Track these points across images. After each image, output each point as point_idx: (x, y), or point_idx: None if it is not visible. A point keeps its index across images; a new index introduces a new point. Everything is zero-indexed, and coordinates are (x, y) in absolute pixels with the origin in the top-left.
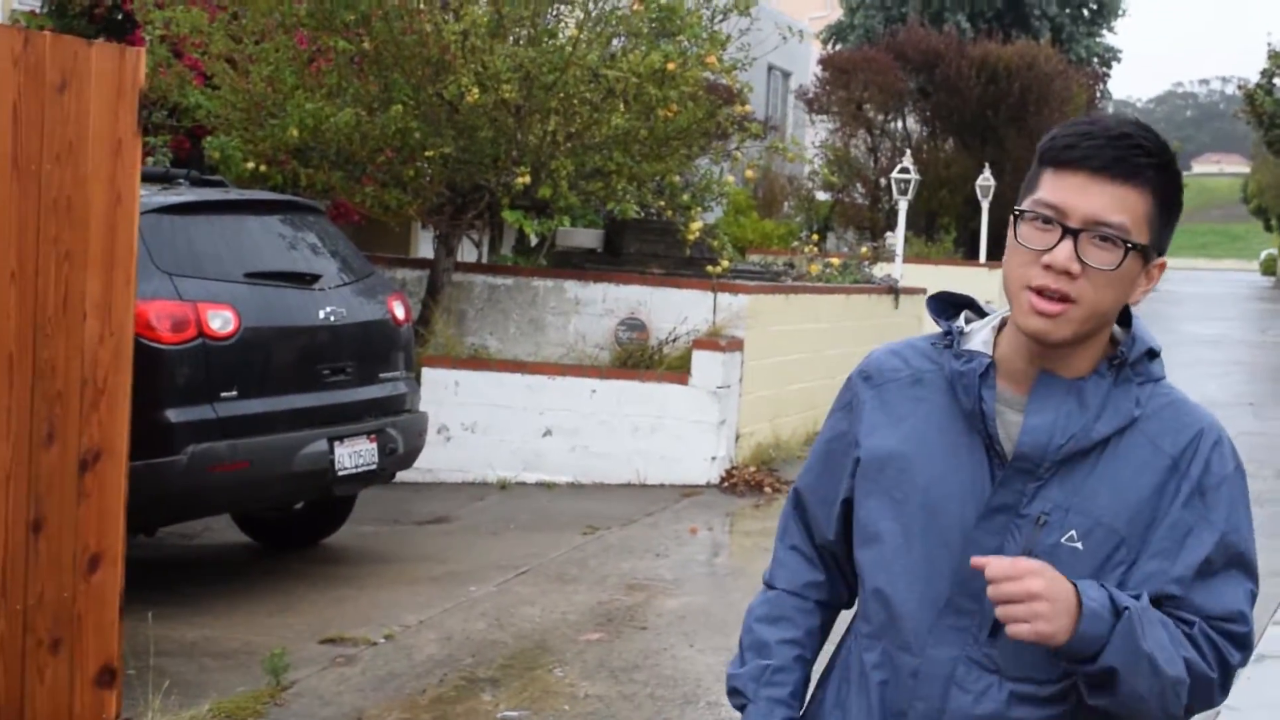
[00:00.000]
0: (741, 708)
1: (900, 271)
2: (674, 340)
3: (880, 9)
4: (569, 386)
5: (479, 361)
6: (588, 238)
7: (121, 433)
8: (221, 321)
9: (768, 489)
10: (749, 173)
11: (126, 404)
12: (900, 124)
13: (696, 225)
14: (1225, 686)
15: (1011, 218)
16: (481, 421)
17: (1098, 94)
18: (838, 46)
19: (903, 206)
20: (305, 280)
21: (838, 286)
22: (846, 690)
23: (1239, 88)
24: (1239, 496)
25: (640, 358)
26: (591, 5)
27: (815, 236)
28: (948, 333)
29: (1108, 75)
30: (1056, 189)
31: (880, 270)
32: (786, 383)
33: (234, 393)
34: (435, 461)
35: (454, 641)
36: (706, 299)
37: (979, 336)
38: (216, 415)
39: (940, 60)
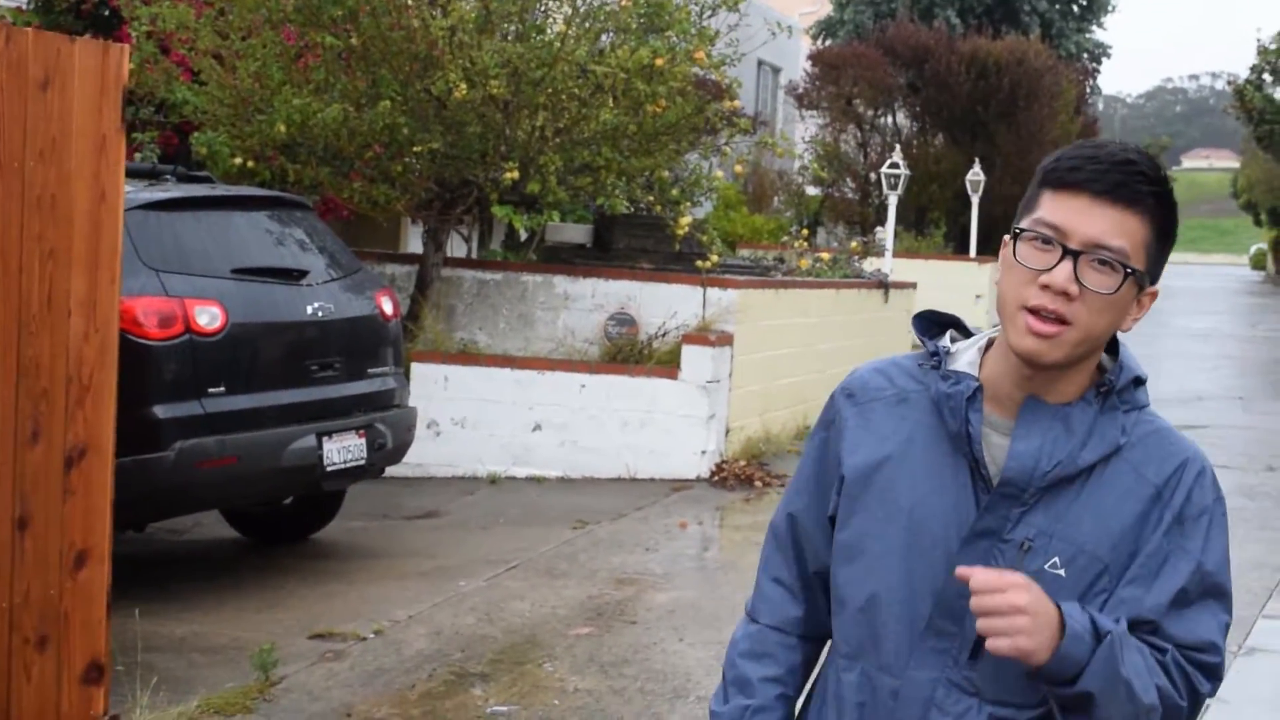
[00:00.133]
0: None
1: (890, 266)
2: (663, 335)
3: (870, 4)
4: (558, 381)
5: (468, 356)
6: (577, 233)
7: (107, 430)
8: (209, 317)
9: (758, 483)
10: (738, 168)
11: (112, 401)
12: (890, 119)
13: (686, 220)
14: (1193, 716)
15: (1008, 237)
16: (471, 416)
17: (1087, 89)
18: (827, 42)
19: (892, 201)
20: (293, 276)
21: (827, 281)
22: (826, 712)
23: (1229, 83)
24: (1218, 527)
25: (630, 352)
26: (579, 1)
27: (805, 231)
28: (934, 353)
29: (1097, 71)
30: (1057, 210)
31: (870, 265)
32: (776, 377)
33: (222, 388)
34: (424, 456)
35: (443, 636)
36: (696, 294)
37: (965, 357)
38: (204, 411)
39: (930, 56)
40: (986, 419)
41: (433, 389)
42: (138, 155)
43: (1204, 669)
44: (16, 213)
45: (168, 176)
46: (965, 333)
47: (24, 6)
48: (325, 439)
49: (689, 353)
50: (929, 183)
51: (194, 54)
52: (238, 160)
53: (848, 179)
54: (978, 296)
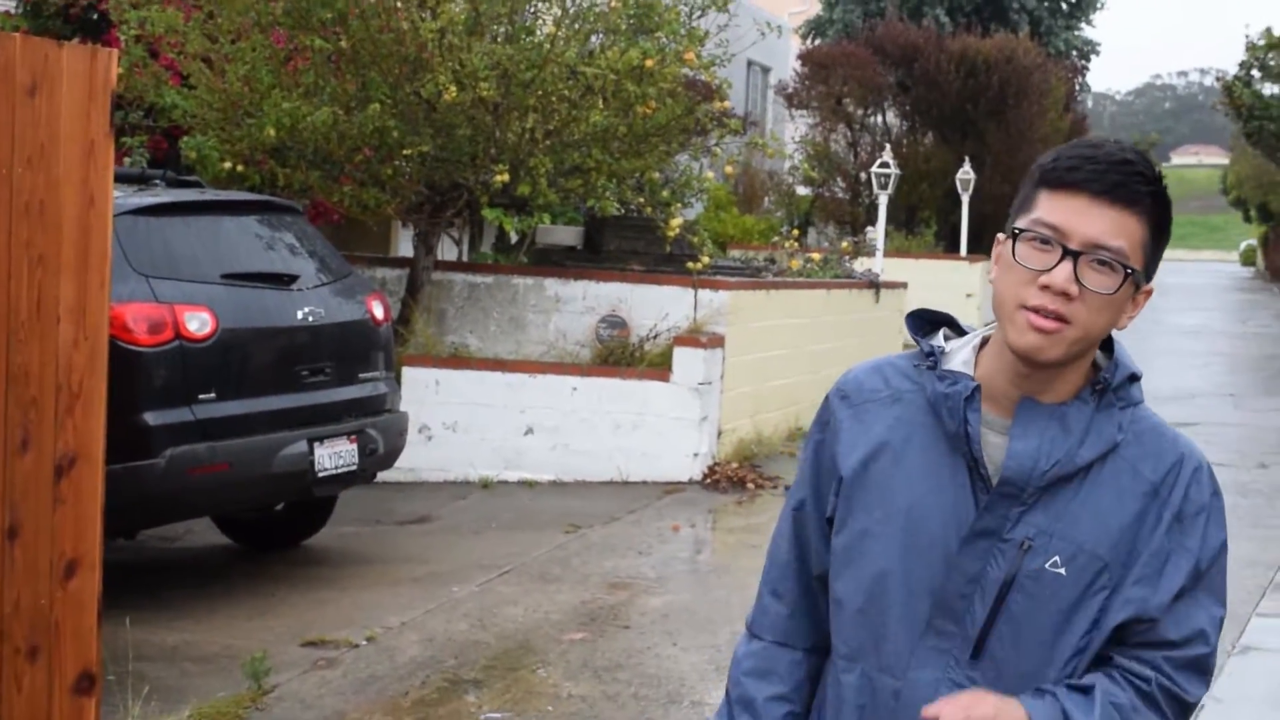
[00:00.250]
0: None
1: (881, 266)
2: (655, 337)
3: (859, 3)
4: (550, 384)
5: (459, 360)
6: (568, 235)
7: (97, 437)
8: (199, 323)
9: (750, 485)
10: (729, 169)
11: (102, 409)
12: (880, 118)
13: (676, 222)
14: None
15: (1004, 237)
16: (462, 420)
17: (1077, 87)
18: (817, 41)
19: (883, 201)
20: (283, 281)
21: (819, 281)
22: (825, 715)
23: (1217, 79)
24: (1216, 524)
25: (621, 355)
26: (569, 2)
27: (796, 231)
28: (930, 353)
29: (1086, 68)
30: (1056, 210)
31: (861, 265)
32: (768, 378)
33: (212, 394)
34: (416, 461)
35: (436, 643)
36: (687, 295)
37: (959, 356)
38: (195, 417)
39: (919, 54)
40: (983, 418)
41: (424, 393)
42: (126, 160)
43: (1193, 665)
44: (4, 219)
45: (157, 181)
46: (958, 331)
47: (11, 11)
48: (317, 445)
49: (680, 355)
50: (919, 182)
51: (183, 58)
52: (227, 164)
53: (838, 179)
54: (969, 295)
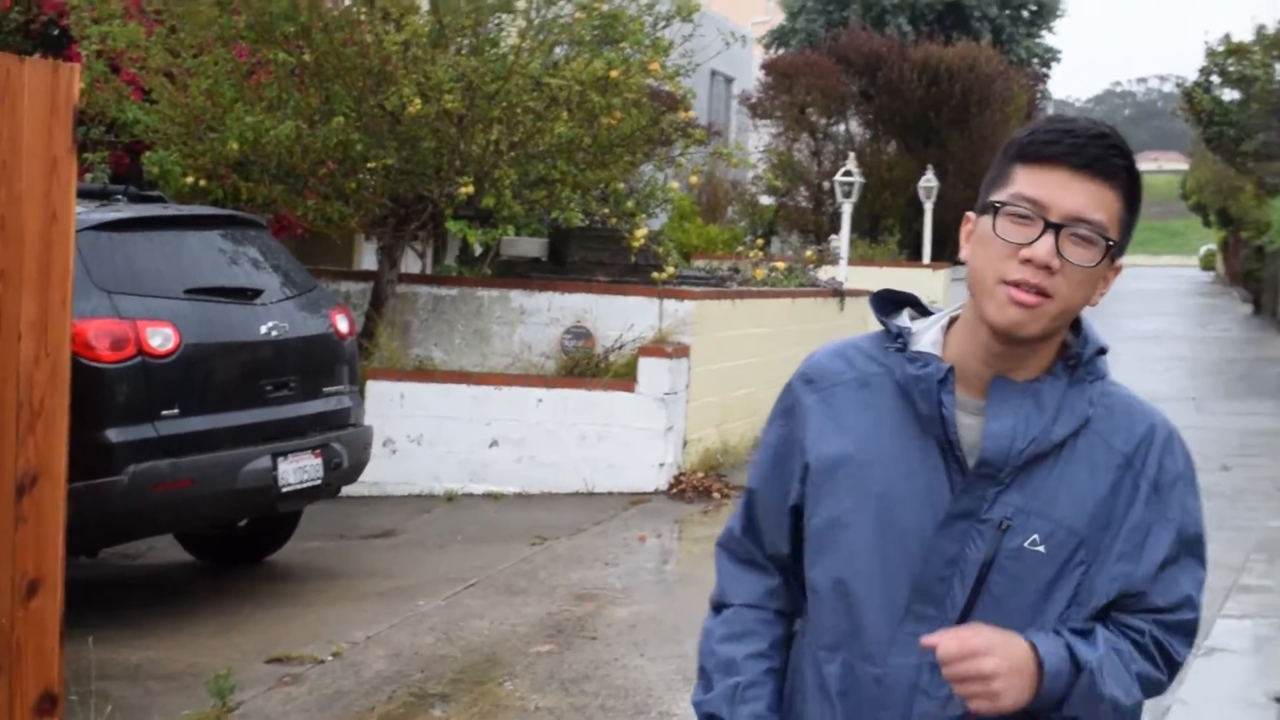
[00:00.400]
0: None
1: (845, 274)
2: (620, 348)
3: (822, 13)
4: (515, 396)
5: (424, 373)
6: (532, 246)
7: (59, 455)
8: (161, 339)
9: (716, 495)
10: (693, 179)
11: (64, 426)
12: (843, 127)
13: (641, 232)
14: (1172, 679)
15: (973, 214)
16: (427, 433)
17: (1038, 94)
18: (780, 51)
19: (846, 209)
20: (247, 295)
21: (783, 290)
22: (802, 703)
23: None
24: (1193, 491)
25: (586, 366)
26: (534, 13)
27: (760, 241)
28: (898, 335)
29: (1048, 75)
30: (1035, 184)
31: (825, 273)
32: (733, 388)
33: (175, 410)
34: (381, 475)
35: (403, 657)
36: (652, 305)
37: (927, 337)
38: (158, 434)
39: (882, 63)
40: (956, 400)
41: (388, 407)
42: (88, 175)
43: (1181, 628)
44: None
45: (119, 197)
46: (923, 311)
47: None
48: (281, 460)
49: (646, 365)
50: (882, 190)
51: (145, 72)
52: (190, 179)
53: (801, 187)
54: (933, 302)
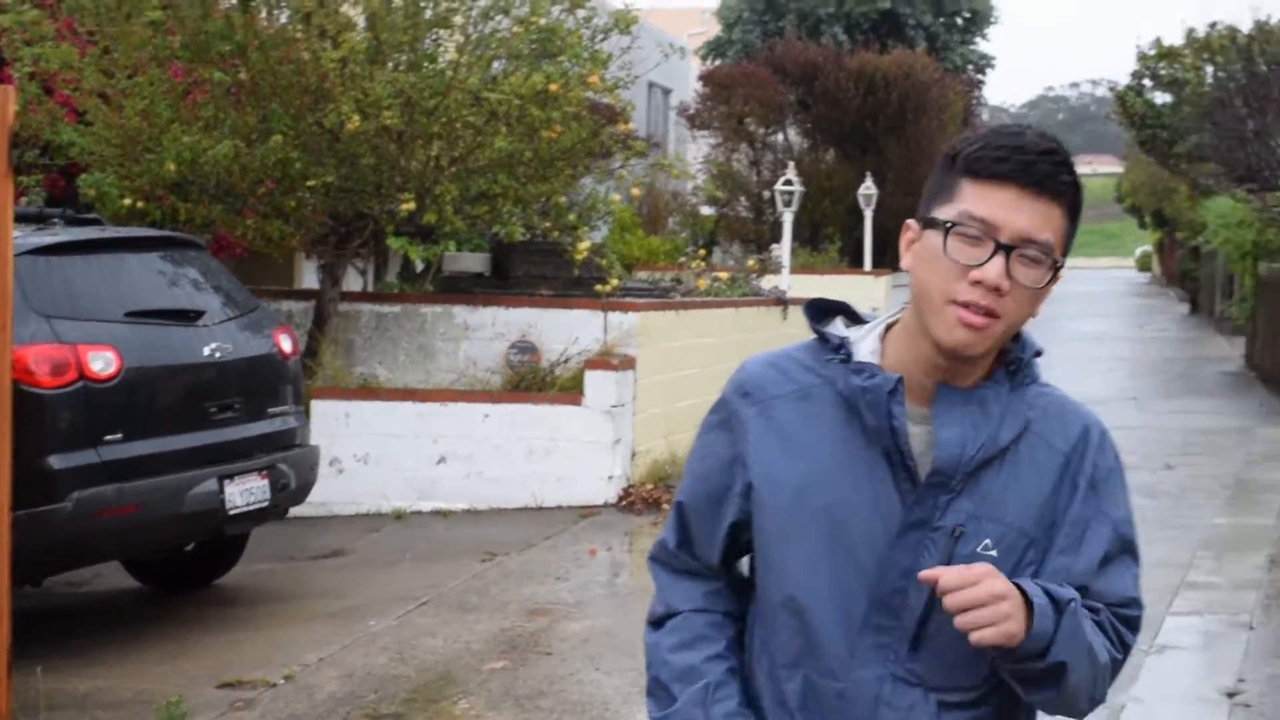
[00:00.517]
0: None
1: (788, 283)
2: (566, 361)
3: (757, 23)
4: (461, 412)
5: (369, 391)
6: (474, 262)
7: (2, 484)
8: (103, 363)
9: (665, 506)
10: (635, 190)
11: (6, 454)
12: (781, 136)
13: (585, 245)
14: (1125, 660)
15: (926, 225)
16: (374, 452)
17: (974, 101)
18: (717, 62)
19: (788, 218)
20: (188, 317)
21: (727, 300)
22: (759, 714)
23: (1110, 90)
24: (1122, 486)
25: (533, 380)
26: (471, 28)
27: (702, 251)
28: (839, 346)
29: (982, 82)
30: (985, 203)
31: (768, 282)
32: (679, 399)
33: (119, 435)
34: (328, 494)
35: (355, 678)
36: (597, 318)
37: (865, 346)
38: (101, 459)
39: (819, 72)
40: None
41: (334, 426)
42: (24, 199)
43: (1129, 623)
44: None
45: (56, 220)
46: (854, 318)
47: None
48: (227, 482)
49: (592, 378)
50: (822, 198)
51: (79, 94)
52: (127, 201)
53: (741, 197)
54: (874, 309)
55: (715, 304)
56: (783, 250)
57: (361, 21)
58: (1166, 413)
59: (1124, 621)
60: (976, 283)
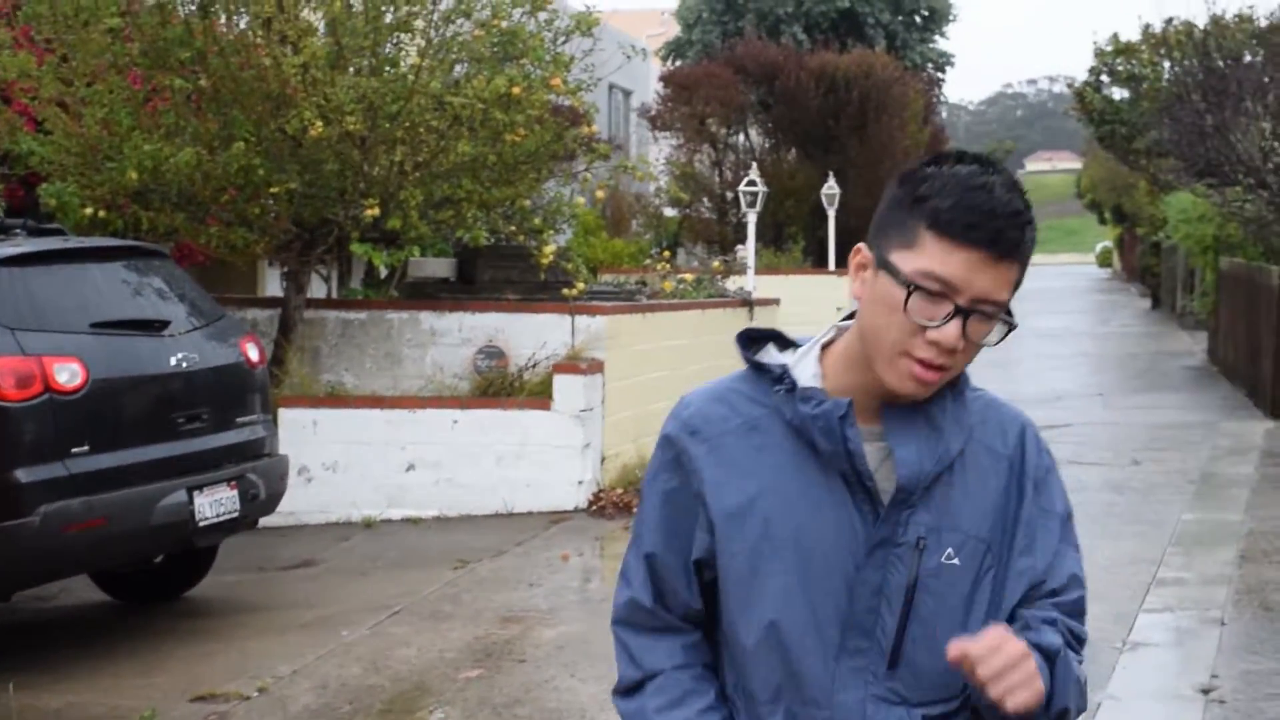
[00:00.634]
0: None
1: (753, 284)
2: (534, 366)
3: (717, 24)
4: (430, 419)
5: (336, 399)
6: (440, 267)
7: None
8: (68, 375)
9: (635, 510)
10: (599, 193)
11: None
12: (743, 137)
13: (551, 249)
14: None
15: (881, 266)
16: (342, 460)
17: (934, 99)
18: (677, 63)
19: (751, 219)
20: (154, 327)
21: (693, 302)
22: None
23: (1068, 86)
24: (1058, 478)
25: (501, 385)
26: (433, 32)
27: (666, 253)
28: (781, 375)
29: (942, 80)
30: (949, 264)
31: (733, 283)
32: (648, 402)
33: (86, 448)
34: (297, 504)
35: (330, 689)
36: (564, 322)
37: (806, 371)
38: (69, 472)
39: (779, 72)
40: None
41: (302, 434)
42: None
43: (1074, 606)
44: None
45: (17, 231)
46: (784, 342)
47: None
48: (196, 493)
49: (560, 382)
50: (785, 198)
51: (38, 103)
52: (89, 210)
53: (704, 199)
54: (839, 309)
55: (682, 306)
56: (748, 251)
57: (322, 26)
58: (1132, 408)
59: (1069, 609)
60: (933, 342)
